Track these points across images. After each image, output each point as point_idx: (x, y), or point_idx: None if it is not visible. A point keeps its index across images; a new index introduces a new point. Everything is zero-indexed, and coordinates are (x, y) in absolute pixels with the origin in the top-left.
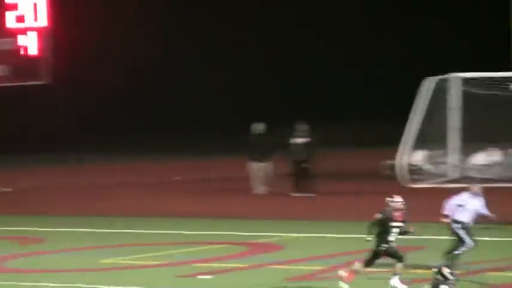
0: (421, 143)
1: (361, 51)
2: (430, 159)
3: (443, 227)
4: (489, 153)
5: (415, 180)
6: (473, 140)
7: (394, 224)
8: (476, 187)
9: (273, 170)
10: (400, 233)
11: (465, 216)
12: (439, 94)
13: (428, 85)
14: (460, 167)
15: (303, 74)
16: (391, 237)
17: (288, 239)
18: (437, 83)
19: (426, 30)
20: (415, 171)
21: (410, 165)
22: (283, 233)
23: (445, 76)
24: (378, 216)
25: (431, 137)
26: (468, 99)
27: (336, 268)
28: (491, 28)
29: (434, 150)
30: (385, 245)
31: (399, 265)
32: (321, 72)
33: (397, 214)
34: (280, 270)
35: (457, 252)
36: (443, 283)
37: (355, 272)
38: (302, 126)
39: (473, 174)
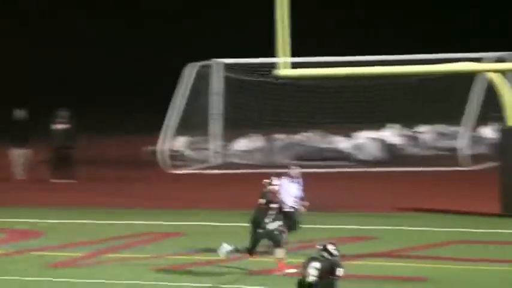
0: (183, 129)
1: (122, 39)
2: (192, 145)
3: (201, 212)
4: (251, 139)
5: (176, 166)
6: (235, 126)
7: (273, 206)
8: (295, 171)
9: (33, 156)
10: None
11: (286, 201)
12: (201, 80)
13: (190, 71)
14: (222, 153)
15: (67, 61)
16: (268, 219)
17: (49, 225)
18: (199, 69)
19: (188, 16)
20: (177, 157)
21: (172, 151)
22: (43, 219)
23: (207, 62)
24: (263, 201)
25: (193, 123)
26: (230, 85)
27: (97, 254)
28: (253, 13)
29: (196, 136)
30: (262, 230)
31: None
32: (85, 59)
33: (274, 197)
34: (41, 257)
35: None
36: (330, 259)
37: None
38: (62, 113)
39: (235, 160)
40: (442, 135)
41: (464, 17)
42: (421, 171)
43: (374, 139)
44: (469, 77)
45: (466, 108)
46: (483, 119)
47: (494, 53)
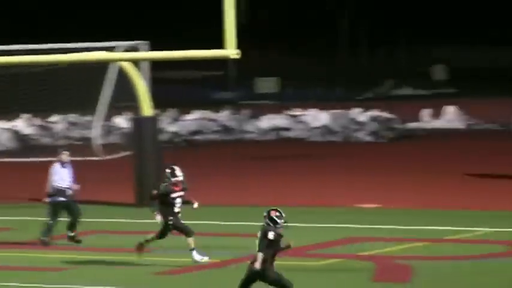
0: None
1: None
2: None
3: None
4: None
5: None
6: None
7: (176, 194)
8: (65, 155)
9: None
10: (183, 203)
11: (61, 185)
12: None
13: None
14: None
15: None
16: (177, 209)
17: None
18: None
19: None
20: None
21: None
22: None
23: None
24: (155, 192)
25: None
26: None
27: None
28: None
29: None
30: (172, 218)
31: (190, 239)
32: None
33: (176, 187)
34: None
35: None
36: (272, 228)
37: (142, 245)
38: None
39: None
40: (74, 124)
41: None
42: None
43: (5, 129)
44: (102, 67)
45: (99, 97)
46: (116, 108)
47: (126, 42)
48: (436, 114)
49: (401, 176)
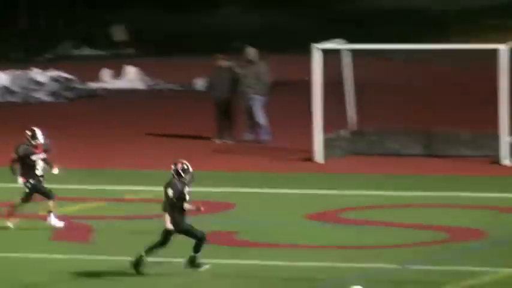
0: None
1: None
2: None
3: None
4: None
5: None
6: None
7: (36, 157)
8: None
9: None
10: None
11: None
12: None
13: None
14: None
15: None
16: (39, 172)
17: None
18: None
19: None
20: None
21: None
22: None
23: None
24: (15, 156)
25: None
26: None
27: None
28: None
29: None
30: (34, 181)
31: (50, 202)
32: None
33: (36, 149)
34: None
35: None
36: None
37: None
38: None
39: None
40: None
41: None
42: None
43: None
44: None
45: None
46: None
47: None
48: (117, 75)
49: (82, 137)
